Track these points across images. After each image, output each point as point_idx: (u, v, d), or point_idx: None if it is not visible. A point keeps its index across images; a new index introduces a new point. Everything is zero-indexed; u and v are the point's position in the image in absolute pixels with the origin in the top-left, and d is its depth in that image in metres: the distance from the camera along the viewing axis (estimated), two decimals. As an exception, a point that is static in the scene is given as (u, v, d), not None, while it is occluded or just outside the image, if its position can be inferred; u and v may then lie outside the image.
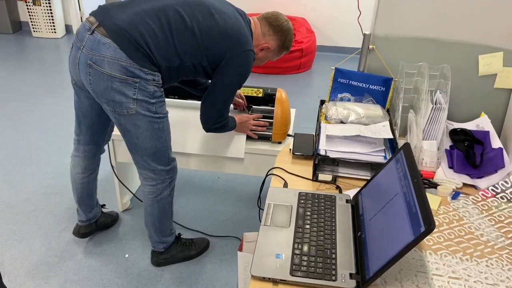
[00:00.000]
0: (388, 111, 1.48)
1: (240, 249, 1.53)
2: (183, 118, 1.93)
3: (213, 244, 2.04)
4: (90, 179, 1.86)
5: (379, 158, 1.26)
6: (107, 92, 1.42)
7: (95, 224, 2.01)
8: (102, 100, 1.46)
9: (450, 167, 1.31)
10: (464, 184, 1.27)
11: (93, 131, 1.70)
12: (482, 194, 1.23)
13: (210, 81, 1.71)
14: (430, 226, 0.81)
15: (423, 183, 1.26)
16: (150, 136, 1.53)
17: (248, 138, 1.91)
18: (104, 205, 2.11)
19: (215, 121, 1.64)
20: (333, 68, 1.50)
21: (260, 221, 1.09)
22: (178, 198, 2.36)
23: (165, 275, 1.86)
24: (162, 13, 1.42)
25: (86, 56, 1.40)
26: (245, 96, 1.94)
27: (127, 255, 1.96)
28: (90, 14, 1.45)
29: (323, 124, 1.40)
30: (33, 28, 4.90)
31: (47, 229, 2.10)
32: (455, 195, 1.22)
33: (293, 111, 2.17)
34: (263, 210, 1.13)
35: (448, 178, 1.28)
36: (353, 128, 1.34)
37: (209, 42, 1.46)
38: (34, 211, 2.21)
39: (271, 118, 1.89)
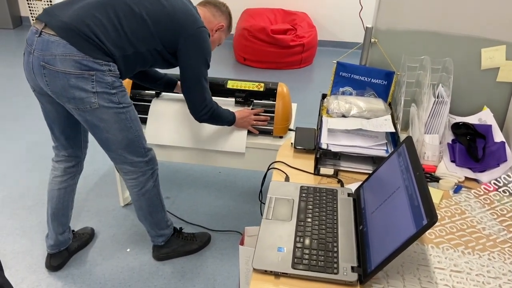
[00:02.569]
0: (390, 105, 1.47)
1: (242, 243, 1.53)
2: (183, 112, 1.93)
3: (214, 239, 2.04)
4: (69, 185, 1.76)
5: (381, 152, 1.26)
6: (66, 90, 1.40)
7: (67, 252, 1.87)
8: (63, 100, 1.44)
9: (452, 161, 1.31)
10: (466, 178, 1.26)
11: (67, 135, 1.66)
12: (484, 188, 1.23)
13: (167, 75, 1.79)
14: (432, 219, 0.81)
15: (425, 176, 1.26)
16: (120, 128, 1.51)
17: (249, 132, 1.91)
18: (74, 230, 1.97)
19: (200, 107, 1.63)
20: (335, 62, 1.49)
21: (262, 215, 1.09)
22: (179, 192, 2.36)
23: (167, 269, 1.87)
24: (108, 5, 1.42)
25: (38, 58, 1.38)
26: (246, 90, 1.93)
27: (128, 250, 1.96)
28: (36, 19, 1.43)
29: (324, 118, 1.40)
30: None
31: (49, 223, 2.10)
32: (457, 189, 1.22)
33: (294, 106, 2.16)
34: (264, 204, 1.13)
35: (450, 172, 1.28)
36: (355, 122, 1.33)
37: (160, 26, 1.47)
38: (35, 206, 2.22)
39: (272, 112, 1.89)
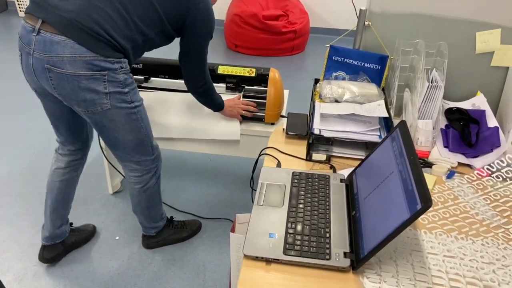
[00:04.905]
0: (383, 90, 1.45)
1: (233, 231, 1.51)
2: (176, 99, 1.89)
3: (205, 226, 2.02)
4: (71, 177, 1.69)
5: (374, 137, 1.24)
6: (76, 93, 1.31)
7: (62, 246, 1.79)
8: (71, 102, 1.34)
9: (445, 146, 1.30)
10: (459, 164, 1.25)
11: (73, 131, 1.59)
12: (478, 173, 1.21)
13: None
14: (426, 203, 0.79)
15: (418, 162, 1.24)
16: (130, 129, 1.44)
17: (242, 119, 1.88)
18: (72, 223, 1.89)
19: (199, 78, 1.59)
20: (328, 45, 1.46)
21: (253, 202, 1.06)
22: (170, 180, 2.33)
23: (157, 257, 1.84)
24: None
25: (41, 60, 1.26)
26: (237, 76, 1.89)
27: (117, 238, 1.93)
28: (26, 13, 1.28)
29: (317, 103, 1.37)
30: (19, 7, 4.77)
31: (35, 211, 2.06)
32: (450, 174, 1.21)
33: (286, 92, 2.13)
34: (255, 191, 1.10)
35: (443, 157, 1.26)
36: (348, 107, 1.31)
37: (166, 6, 1.38)
38: (21, 193, 2.17)
39: (264, 98, 1.86)
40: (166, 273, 1.77)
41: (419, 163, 0.89)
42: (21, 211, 2.06)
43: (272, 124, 1.90)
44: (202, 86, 1.61)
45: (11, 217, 2.02)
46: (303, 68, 3.92)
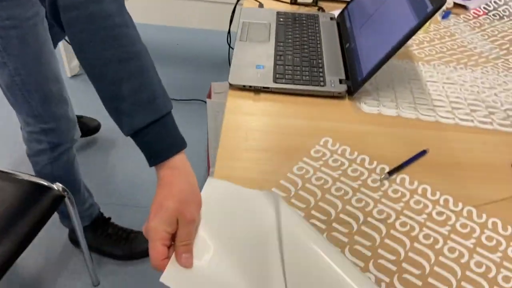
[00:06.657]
0: None
1: (209, 97, 1.41)
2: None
3: (178, 108, 1.87)
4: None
5: (365, -25, 1.11)
6: None
7: None
8: None
9: (440, -12, 1.19)
10: (455, 4, 1.16)
11: None
12: (474, 13, 1.13)
13: None
14: (439, 2, 0.70)
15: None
16: None
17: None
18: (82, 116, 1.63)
19: None
20: None
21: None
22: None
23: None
24: None
25: None
26: None
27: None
28: None
29: None
30: None
31: None
32: (446, 14, 1.12)
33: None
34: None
35: (438, -1, 1.16)
36: None
37: None
38: None
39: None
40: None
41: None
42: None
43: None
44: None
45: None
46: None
